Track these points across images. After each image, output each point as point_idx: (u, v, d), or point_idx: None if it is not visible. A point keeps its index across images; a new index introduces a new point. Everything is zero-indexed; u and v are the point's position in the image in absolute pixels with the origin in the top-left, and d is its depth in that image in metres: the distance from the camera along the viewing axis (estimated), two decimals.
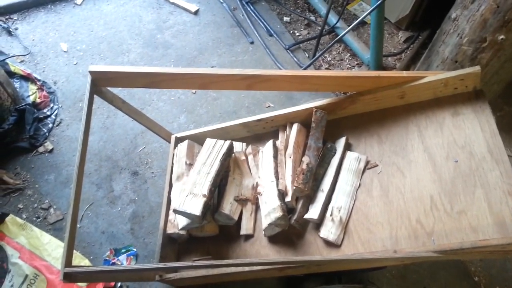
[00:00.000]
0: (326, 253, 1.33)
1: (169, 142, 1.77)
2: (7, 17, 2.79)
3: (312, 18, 2.82)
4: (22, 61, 2.56)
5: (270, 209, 1.37)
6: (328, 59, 2.60)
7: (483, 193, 1.16)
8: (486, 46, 1.58)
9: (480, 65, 1.29)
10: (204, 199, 1.35)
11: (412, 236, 1.21)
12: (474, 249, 1.05)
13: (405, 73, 1.34)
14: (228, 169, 1.54)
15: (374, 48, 2.29)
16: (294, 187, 1.36)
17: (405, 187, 1.30)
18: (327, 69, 2.55)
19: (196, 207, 1.33)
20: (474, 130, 1.26)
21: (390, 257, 1.14)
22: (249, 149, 1.62)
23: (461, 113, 1.30)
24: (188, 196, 1.37)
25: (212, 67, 2.55)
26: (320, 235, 1.33)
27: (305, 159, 1.39)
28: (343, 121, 1.53)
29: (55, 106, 2.37)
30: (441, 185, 1.24)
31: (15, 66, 2.46)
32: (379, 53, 2.33)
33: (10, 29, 2.70)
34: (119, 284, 1.80)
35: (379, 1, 1.88)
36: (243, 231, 1.48)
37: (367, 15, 1.93)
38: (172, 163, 1.66)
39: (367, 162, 1.41)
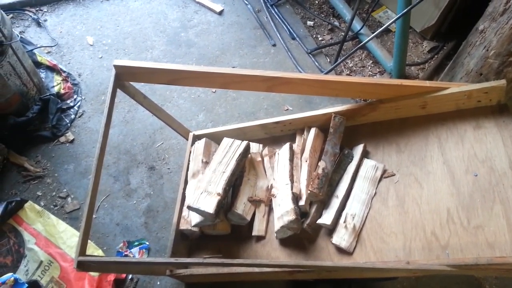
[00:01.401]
0: (337, 260, 1.32)
1: (187, 139, 1.79)
2: (37, 8, 2.87)
3: (336, 23, 2.81)
4: (49, 52, 2.63)
5: (283, 212, 1.37)
6: (350, 65, 2.59)
7: (502, 209, 1.14)
8: None
9: (506, 79, 1.26)
10: (218, 197, 1.36)
11: (426, 248, 1.20)
12: (490, 266, 1.03)
13: (428, 83, 1.32)
14: (243, 170, 1.55)
15: (398, 56, 2.27)
16: (309, 192, 1.35)
17: (421, 198, 1.28)
18: (348, 75, 2.53)
19: (210, 205, 1.34)
20: (496, 145, 1.23)
21: (402, 268, 1.12)
22: (266, 151, 1.63)
23: (484, 126, 1.28)
24: (203, 193, 1.38)
25: (234, 67, 2.57)
26: (332, 241, 1.32)
27: (321, 164, 1.38)
28: (362, 128, 1.52)
29: (79, 98, 2.42)
30: (459, 198, 1.22)
31: (42, 57, 2.52)
32: (402, 62, 2.31)
33: (40, 21, 2.77)
34: (130, 276, 1.82)
35: (405, 10, 1.86)
36: (255, 232, 1.48)
37: (392, 23, 1.91)
38: (189, 160, 1.67)
39: (384, 171, 1.40)
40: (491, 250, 1.10)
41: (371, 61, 2.59)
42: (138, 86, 1.47)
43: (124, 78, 1.36)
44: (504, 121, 1.26)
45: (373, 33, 2.12)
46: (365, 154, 1.47)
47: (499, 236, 1.11)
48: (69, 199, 2.06)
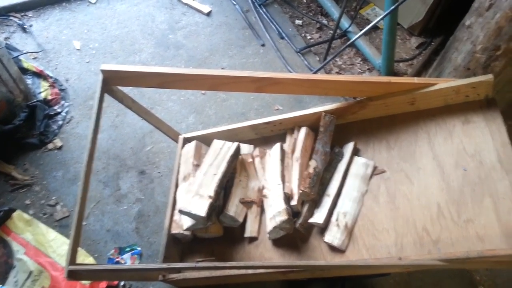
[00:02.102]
0: (330, 258, 1.32)
1: (177, 142, 1.78)
2: (22, 14, 2.83)
3: (324, 21, 2.82)
4: (35, 58, 2.60)
5: (275, 212, 1.36)
6: (339, 63, 2.59)
7: (492, 202, 1.15)
8: (500, 54, 1.56)
9: (493, 73, 1.27)
10: (210, 200, 1.35)
11: (418, 244, 1.20)
12: (481, 259, 1.03)
13: (416, 80, 1.33)
14: (234, 171, 1.54)
15: (386, 53, 2.28)
16: (300, 191, 1.35)
17: (412, 194, 1.28)
18: (337, 73, 2.54)
19: (201, 208, 1.33)
20: (484, 139, 1.24)
21: (395, 264, 1.12)
22: (256, 152, 1.62)
23: (472, 121, 1.29)
24: (194, 197, 1.37)
25: (223, 68, 2.56)
26: (325, 240, 1.32)
27: (312, 163, 1.38)
28: (352, 126, 1.52)
29: (66, 104, 2.40)
30: (448, 193, 1.22)
31: (28, 63, 2.49)
32: (390, 59, 2.31)
33: (25, 26, 2.74)
34: (122, 283, 1.81)
35: (393, 7, 1.87)
36: (247, 234, 1.47)
37: (380, 20, 1.92)
38: (179, 164, 1.66)
39: (375, 168, 1.40)
40: (482, 243, 1.11)
41: (360, 59, 2.59)
42: (127, 89, 1.45)
43: (112, 82, 1.34)
44: (492, 115, 1.26)
45: (361, 30, 2.12)
46: (355, 152, 1.46)
47: (489, 229, 1.11)
48: (58, 206, 2.04)
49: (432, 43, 2.61)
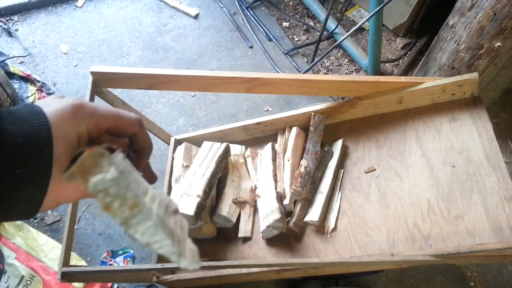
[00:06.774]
0: (324, 256, 1.33)
1: (168, 144, 1.78)
2: (7, 18, 2.80)
3: (311, 23, 2.85)
4: (21, 62, 2.57)
5: (268, 212, 1.37)
6: (327, 64, 2.62)
7: (480, 198, 1.17)
8: (483, 53, 1.60)
9: (477, 72, 1.30)
10: (198, 199, 1.35)
11: (409, 240, 1.22)
12: (471, 254, 1.06)
13: (403, 79, 1.35)
14: (226, 172, 1.55)
15: (372, 54, 2.31)
16: (292, 190, 1.36)
17: (402, 191, 1.31)
18: (325, 74, 2.56)
19: (189, 207, 1.34)
20: (471, 136, 1.27)
21: (387, 260, 1.14)
22: (248, 152, 1.63)
23: (459, 118, 1.32)
24: (183, 196, 1.37)
25: (212, 70, 2.56)
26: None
27: (303, 163, 1.40)
28: (342, 125, 1.54)
29: None
30: (438, 189, 1.25)
31: (14, 67, 2.46)
32: (377, 59, 2.35)
33: (11, 30, 2.71)
34: (115, 286, 1.80)
35: (377, 8, 1.90)
36: (241, 234, 1.48)
37: (365, 21, 1.95)
38: (172, 166, 1.66)
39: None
40: (471, 238, 1.13)
41: (347, 60, 2.63)
42: (116, 92, 1.45)
43: (102, 84, 1.34)
44: (478, 113, 1.29)
45: (347, 32, 2.15)
46: (345, 149, 1.49)
47: (478, 224, 1.14)
48: (49, 211, 2.02)
49: (417, 44, 2.66)
